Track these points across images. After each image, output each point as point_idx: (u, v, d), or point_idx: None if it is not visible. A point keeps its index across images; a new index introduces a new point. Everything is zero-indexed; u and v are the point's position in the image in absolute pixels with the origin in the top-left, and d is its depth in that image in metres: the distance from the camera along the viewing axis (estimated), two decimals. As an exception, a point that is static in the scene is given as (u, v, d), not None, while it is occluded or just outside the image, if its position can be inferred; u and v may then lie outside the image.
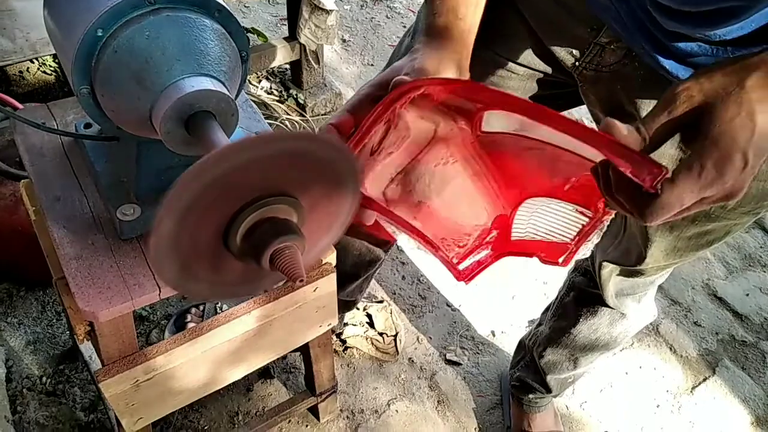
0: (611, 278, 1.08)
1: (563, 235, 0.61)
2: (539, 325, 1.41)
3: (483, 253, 0.64)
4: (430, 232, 0.62)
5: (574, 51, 0.80)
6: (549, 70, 0.87)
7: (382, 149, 0.59)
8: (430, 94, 0.56)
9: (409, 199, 0.63)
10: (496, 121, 0.57)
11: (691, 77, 0.53)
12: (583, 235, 0.60)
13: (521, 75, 0.89)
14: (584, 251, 0.62)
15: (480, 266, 0.64)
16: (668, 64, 0.68)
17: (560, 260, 0.62)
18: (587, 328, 1.23)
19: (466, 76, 0.69)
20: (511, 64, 0.88)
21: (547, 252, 0.62)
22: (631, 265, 1.00)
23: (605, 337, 1.23)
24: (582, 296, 1.23)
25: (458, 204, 0.64)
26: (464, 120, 0.59)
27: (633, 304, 1.15)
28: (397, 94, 0.54)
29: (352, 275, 1.33)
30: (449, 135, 0.60)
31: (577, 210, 0.58)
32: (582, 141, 0.52)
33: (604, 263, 1.06)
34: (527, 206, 0.62)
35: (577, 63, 0.80)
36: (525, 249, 0.63)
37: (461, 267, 0.64)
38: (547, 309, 1.39)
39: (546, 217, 0.61)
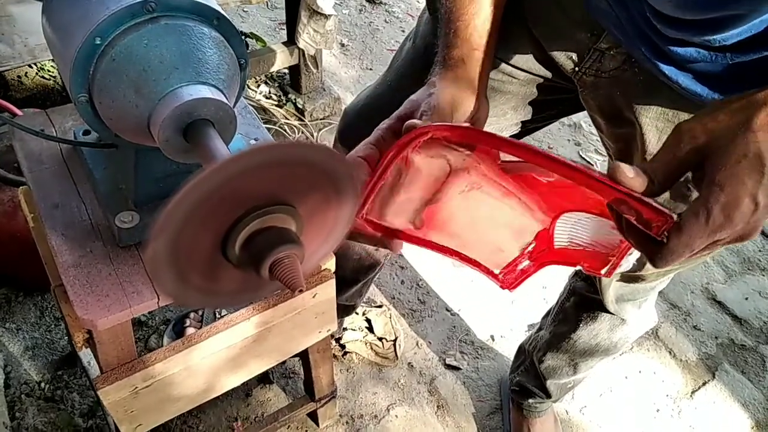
0: (611, 283, 1.08)
1: (606, 246, 0.60)
2: (539, 329, 1.41)
3: (525, 263, 0.63)
4: (468, 252, 0.62)
5: (574, 56, 0.80)
6: (549, 75, 0.87)
7: (400, 185, 0.60)
8: (438, 138, 0.57)
9: (441, 225, 0.63)
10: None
11: (695, 117, 0.52)
12: (622, 251, 0.59)
13: (521, 80, 0.89)
14: (628, 264, 0.59)
15: (524, 275, 0.63)
16: (668, 69, 0.68)
17: (603, 271, 0.60)
18: (587, 334, 1.23)
19: (485, 107, 0.70)
20: (511, 69, 0.88)
21: (590, 262, 0.60)
22: (632, 270, 1.00)
23: (605, 342, 1.23)
24: (582, 301, 1.22)
25: (492, 224, 0.63)
26: (482, 152, 0.59)
27: (633, 310, 1.15)
28: (407, 140, 0.57)
29: (352, 280, 1.33)
30: (468, 165, 0.60)
31: (611, 226, 0.57)
32: (586, 187, 0.51)
33: (605, 268, 1.06)
34: (568, 216, 0.61)
35: (576, 68, 0.80)
36: (568, 258, 0.62)
37: (505, 277, 0.63)
38: (548, 314, 1.39)
39: (587, 227, 0.60)
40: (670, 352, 1.79)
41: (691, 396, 1.70)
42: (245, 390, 1.51)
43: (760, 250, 2.09)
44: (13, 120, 0.86)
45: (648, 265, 0.95)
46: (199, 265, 0.51)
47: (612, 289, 1.09)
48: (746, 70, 0.63)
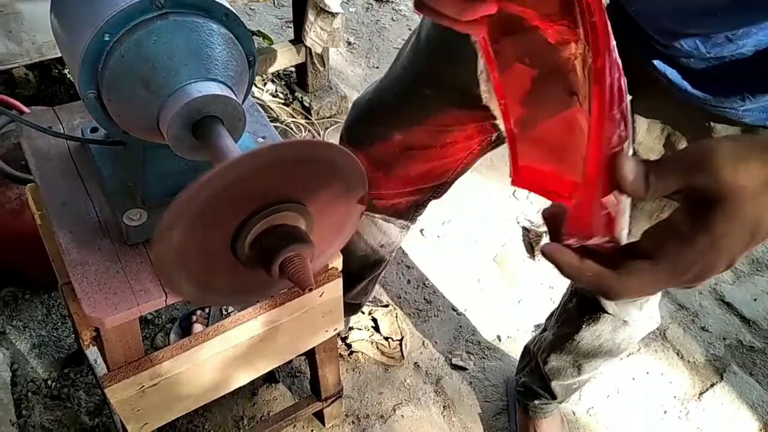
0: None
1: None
2: (544, 330, 1.40)
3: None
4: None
5: None
6: None
7: None
8: None
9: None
10: None
11: (731, 155, 0.42)
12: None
13: None
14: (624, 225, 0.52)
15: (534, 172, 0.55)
16: (656, 62, 0.68)
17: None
18: (590, 335, 1.22)
19: None
20: None
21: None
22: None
23: (608, 343, 1.22)
24: (584, 302, 1.21)
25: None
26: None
27: (634, 311, 1.14)
28: None
29: (357, 277, 1.33)
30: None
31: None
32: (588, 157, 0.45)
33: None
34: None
35: None
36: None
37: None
38: (551, 315, 1.38)
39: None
40: (677, 354, 1.78)
41: (698, 398, 1.69)
42: (251, 389, 1.50)
43: (768, 251, 2.08)
44: (21, 117, 0.86)
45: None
46: (209, 263, 0.51)
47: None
48: (728, 67, 0.63)
